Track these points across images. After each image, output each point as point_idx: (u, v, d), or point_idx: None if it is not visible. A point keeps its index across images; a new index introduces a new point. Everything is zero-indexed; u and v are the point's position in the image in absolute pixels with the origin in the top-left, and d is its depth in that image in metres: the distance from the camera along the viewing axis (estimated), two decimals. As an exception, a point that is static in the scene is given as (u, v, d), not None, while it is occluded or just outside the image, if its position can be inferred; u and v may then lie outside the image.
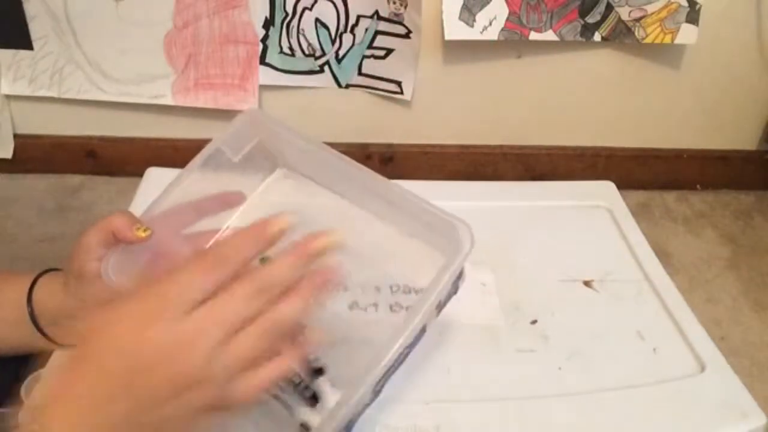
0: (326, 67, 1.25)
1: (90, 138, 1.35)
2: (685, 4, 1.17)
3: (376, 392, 0.44)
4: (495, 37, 1.18)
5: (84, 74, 1.25)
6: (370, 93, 1.29)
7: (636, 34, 1.20)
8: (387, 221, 0.49)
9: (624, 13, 1.18)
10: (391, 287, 0.60)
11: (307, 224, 0.47)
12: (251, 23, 1.19)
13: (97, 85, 1.26)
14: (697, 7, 1.17)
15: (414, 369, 0.51)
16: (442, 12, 1.15)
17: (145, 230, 0.50)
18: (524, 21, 1.18)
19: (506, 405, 0.49)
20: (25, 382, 0.48)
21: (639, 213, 1.34)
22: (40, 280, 0.52)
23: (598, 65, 1.27)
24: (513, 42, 1.21)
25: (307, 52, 1.23)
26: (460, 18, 1.15)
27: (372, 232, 0.50)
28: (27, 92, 1.27)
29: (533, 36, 1.19)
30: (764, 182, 1.43)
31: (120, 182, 1.36)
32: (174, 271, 0.35)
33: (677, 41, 1.20)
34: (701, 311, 0.78)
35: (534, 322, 0.57)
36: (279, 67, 1.25)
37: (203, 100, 1.26)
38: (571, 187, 0.78)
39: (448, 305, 0.59)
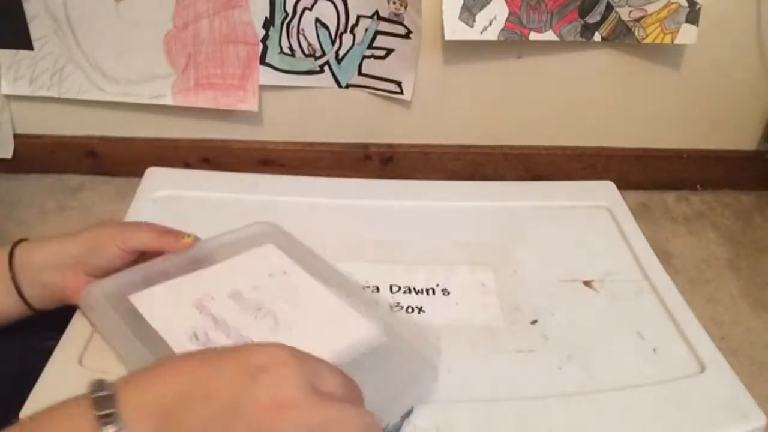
0: (326, 67, 1.25)
1: (90, 138, 1.35)
2: (685, 4, 1.17)
3: None
4: (495, 37, 1.18)
5: (84, 74, 1.25)
6: (370, 93, 1.29)
7: (636, 34, 1.20)
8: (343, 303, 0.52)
9: (624, 13, 1.18)
10: (391, 287, 0.60)
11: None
12: (251, 23, 1.19)
13: (97, 85, 1.26)
14: (697, 7, 1.17)
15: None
16: (442, 12, 1.15)
17: (189, 236, 0.54)
18: (524, 21, 1.18)
19: (506, 405, 0.49)
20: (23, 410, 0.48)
21: (639, 213, 1.34)
22: (18, 246, 0.52)
23: (598, 65, 1.27)
24: (513, 42, 1.21)
25: (307, 52, 1.23)
26: (460, 18, 1.15)
27: (326, 308, 0.52)
28: (27, 92, 1.27)
29: (533, 36, 1.19)
30: (764, 182, 1.43)
31: (120, 182, 1.36)
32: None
33: (677, 41, 1.20)
34: (701, 311, 0.79)
35: (534, 322, 0.57)
36: (279, 67, 1.25)
37: (203, 100, 1.26)
38: (571, 187, 0.77)
39: (448, 306, 0.59)
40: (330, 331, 0.50)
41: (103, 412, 0.32)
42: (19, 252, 0.52)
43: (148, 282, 0.52)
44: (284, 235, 0.59)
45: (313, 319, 0.51)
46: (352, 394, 0.37)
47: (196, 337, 0.47)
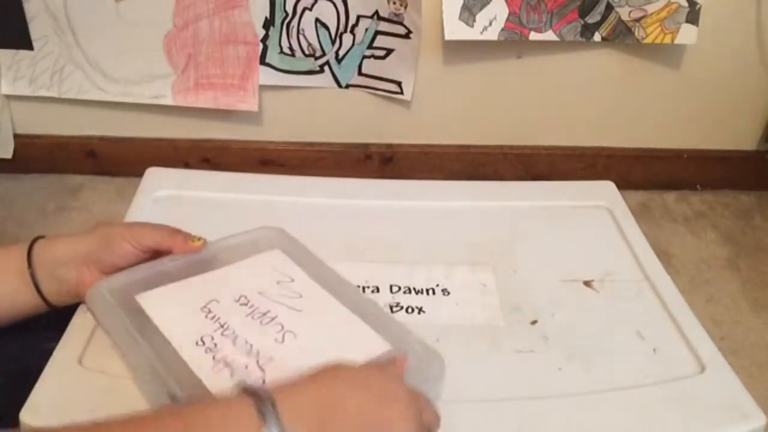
0: (326, 67, 1.25)
1: (90, 138, 1.35)
2: (685, 4, 1.17)
3: None
4: (495, 37, 1.18)
5: (84, 74, 1.25)
6: (370, 93, 1.29)
7: (636, 34, 1.20)
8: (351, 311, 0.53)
9: (624, 13, 1.18)
10: (391, 287, 0.60)
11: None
12: (251, 23, 1.19)
13: (97, 85, 1.26)
14: (697, 7, 1.17)
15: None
16: (442, 12, 1.15)
17: (198, 239, 0.54)
18: (524, 21, 1.18)
19: (506, 406, 0.49)
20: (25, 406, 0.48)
21: (639, 213, 1.34)
22: (37, 243, 0.53)
23: (598, 65, 1.27)
24: (513, 42, 1.21)
25: (307, 52, 1.23)
26: (460, 18, 1.15)
27: (332, 316, 0.52)
28: (27, 92, 1.27)
29: (533, 36, 1.19)
30: (764, 182, 1.43)
31: (120, 182, 1.36)
32: None
33: (677, 41, 1.20)
34: (701, 311, 0.79)
35: (534, 322, 0.57)
36: (279, 67, 1.25)
37: (203, 100, 1.26)
38: (571, 187, 0.77)
39: (448, 306, 0.59)
40: (335, 339, 0.50)
41: (265, 411, 0.35)
42: (37, 248, 0.53)
43: (155, 282, 0.53)
44: (291, 241, 0.59)
45: (318, 326, 0.51)
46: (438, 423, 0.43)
47: (202, 342, 0.48)
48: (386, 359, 0.45)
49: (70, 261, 0.52)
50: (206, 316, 0.50)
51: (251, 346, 0.47)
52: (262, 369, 0.46)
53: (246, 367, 0.46)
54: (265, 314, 0.51)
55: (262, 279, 0.54)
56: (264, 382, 0.45)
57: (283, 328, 0.49)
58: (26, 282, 0.52)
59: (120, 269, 0.53)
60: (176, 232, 0.54)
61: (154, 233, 0.54)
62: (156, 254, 0.54)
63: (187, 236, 0.54)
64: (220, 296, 0.52)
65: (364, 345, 0.49)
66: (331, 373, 0.40)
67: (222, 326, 0.49)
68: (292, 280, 0.55)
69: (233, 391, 0.38)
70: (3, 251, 0.53)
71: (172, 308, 0.51)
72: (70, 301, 0.54)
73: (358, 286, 0.59)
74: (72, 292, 0.53)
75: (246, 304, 0.51)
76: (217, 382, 0.44)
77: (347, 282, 0.56)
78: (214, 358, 0.46)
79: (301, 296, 0.53)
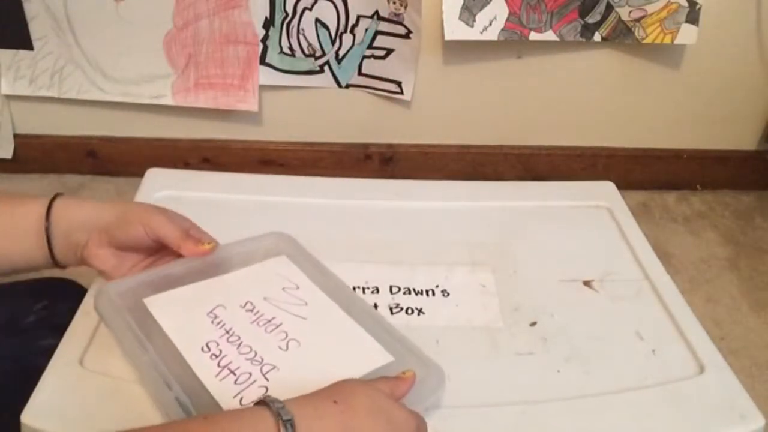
0: (326, 67, 1.25)
1: (90, 138, 1.35)
2: (685, 4, 1.17)
3: None
4: (495, 37, 1.18)
5: (84, 74, 1.25)
6: (370, 93, 1.29)
7: (636, 34, 1.20)
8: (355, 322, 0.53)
9: (624, 13, 1.18)
10: (390, 288, 0.60)
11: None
12: (251, 23, 1.19)
13: (97, 85, 1.26)
14: (697, 7, 1.17)
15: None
16: (442, 12, 1.15)
17: (209, 243, 0.54)
18: (524, 21, 1.18)
19: (505, 408, 0.49)
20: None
21: (639, 213, 1.34)
22: (57, 201, 0.54)
23: (598, 65, 1.27)
24: (513, 42, 1.21)
25: (307, 52, 1.23)
26: (460, 18, 1.15)
27: (336, 325, 0.53)
28: (27, 92, 1.27)
29: (533, 36, 1.19)
30: (764, 182, 1.43)
31: (120, 182, 1.36)
32: None
33: (677, 41, 1.20)
34: (701, 311, 0.79)
35: (533, 323, 0.57)
36: (279, 67, 1.25)
37: (203, 100, 1.26)
38: (571, 187, 0.77)
39: (448, 307, 0.59)
40: (339, 348, 0.50)
41: (285, 419, 0.37)
42: (57, 208, 0.54)
43: (163, 285, 0.53)
44: (298, 248, 0.59)
45: (322, 335, 0.51)
46: None
47: (208, 347, 0.48)
48: (393, 377, 0.45)
49: (85, 227, 0.53)
50: (212, 322, 0.50)
51: (255, 353, 0.48)
52: (266, 378, 0.46)
53: (250, 374, 0.46)
54: (270, 321, 0.51)
55: (269, 285, 0.55)
56: (267, 390, 0.45)
57: (287, 336, 0.50)
58: (41, 239, 0.53)
59: (129, 248, 0.54)
60: (188, 235, 0.54)
61: (168, 229, 0.54)
62: (163, 247, 0.55)
63: (199, 240, 0.54)
64: (227, 301, 0.52)
65: (366, 356, 0.49)
66: (350, 396, 0.40)
67: (228, 332, 0.49)
68: (298, 287, 0.55)
69: (252, 406, 0.39)
70: (23, 206, 0.54)
71: (179, 313, 0.51)
72: (75, 264, 0.55)
73: (358, 287, 0.59)
74: (78, 255, 0.54)
75: (252, 311, 0.52)
76: (222, 388, 0.45)
77: (351, 290, 0.56)
78: (219, 364, 0.47)
79: (306, 304, 0.53)
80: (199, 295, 0.53)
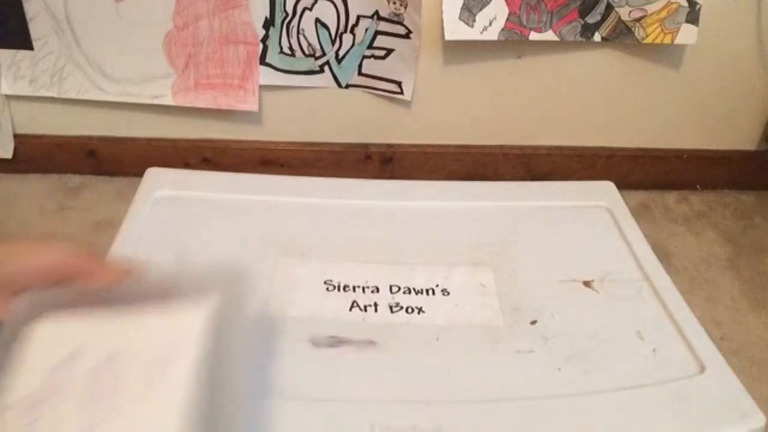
0: (326, 67, 1.25)
1: (90, 138, 1.35)
2: (685, 4, 1.17)
3: None
4: (495, 37, 1.18)
5: (84, 74, 1.25)
6: (370, 93, 1.29)
7: (636, 34, 1.20)
8: None
9: (624, 13, 1.18)
10: (390, 287, 0.60)
11: None
12: (251, 23, 1.19)
13: (97, 85, 1.26)
14: (697, 7, 1.17)
15: (413, 370, 0.52)
16: (442, 12, 1.15)
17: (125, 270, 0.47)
18: (524, 21, 1.18)
19: (506, 406, 0.49)
20: None
21: (639, 213, 1.34)
22: None
23: (598, 65, 1.27)
24: (513, 42, 1.21)
25: (307, 52, 1.23)
26: (460, 18, 1.15)
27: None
28: (27, 92, 1.27)
29: (533, 36, 1.19)
30: (764, 182, 1.43)
31: (120, 182, 1.36)
32: None
33: (677, 41, 1.20)
34: (701, 311, 0.79)
35: (533, 322, 0.57)
36: (279, 67, 1.25)
37: (203, 100, 1.27)
38: (571, 187, 0.78)
39: (448, 306, 0.59)
40: None
41: None
42: None
43: (71, 303, 0.45)
44: (236, 306, 0.46)
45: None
46: None
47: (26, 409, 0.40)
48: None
49: None
50: (65, 367, 0.41)
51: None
52: None
53: None
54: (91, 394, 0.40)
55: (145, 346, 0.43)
56: None
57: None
58: None
59: (23, 285, 0.45)
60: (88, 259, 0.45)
61: (50, 254, 0.45)
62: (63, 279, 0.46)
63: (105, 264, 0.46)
64: (90, 350, 0.42)
65: None
66: None
67: (68, 386, 0.40)
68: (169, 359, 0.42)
69: None
70: None
71: (46, 349, 0.43)
72: None
73: (358, 287, 0.59)
74: None
75: (102, 368, 0.42)
76: None
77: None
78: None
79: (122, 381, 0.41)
80: (73, 332, 0.43)
